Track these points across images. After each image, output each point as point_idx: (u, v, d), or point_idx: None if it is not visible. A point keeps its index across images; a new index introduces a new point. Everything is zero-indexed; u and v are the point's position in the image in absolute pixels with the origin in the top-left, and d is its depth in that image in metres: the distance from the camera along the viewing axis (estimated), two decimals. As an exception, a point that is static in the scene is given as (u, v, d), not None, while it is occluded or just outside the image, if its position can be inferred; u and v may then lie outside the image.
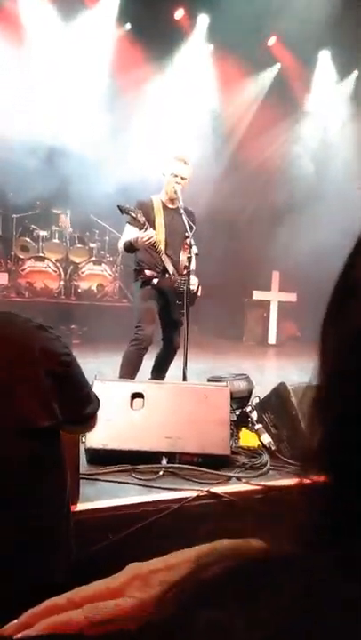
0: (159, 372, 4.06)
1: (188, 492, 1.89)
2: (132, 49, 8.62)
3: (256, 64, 9.34)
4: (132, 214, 3.53)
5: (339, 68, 9.71)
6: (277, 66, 9.67)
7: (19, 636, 0.39)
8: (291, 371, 6.76)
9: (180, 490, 1.91)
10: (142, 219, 3.54)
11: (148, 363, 3.90)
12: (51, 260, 8.29)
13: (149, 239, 3.51)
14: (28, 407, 1.16)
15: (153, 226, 3.70)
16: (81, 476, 1.82)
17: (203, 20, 8.88)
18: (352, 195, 8.98)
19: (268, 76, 9.67)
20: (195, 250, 3.45)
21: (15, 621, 0.39)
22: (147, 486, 1.94)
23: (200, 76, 9.20)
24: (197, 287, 3.89)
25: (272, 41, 9.28)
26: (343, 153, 10.07)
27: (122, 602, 0.39)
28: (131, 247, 3.70)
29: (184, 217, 3.56)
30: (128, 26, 8.62)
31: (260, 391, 2.80)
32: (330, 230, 9.99)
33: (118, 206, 3.62)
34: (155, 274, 3.80)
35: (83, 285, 8.55)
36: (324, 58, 9.59)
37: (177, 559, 0.40)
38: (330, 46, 9.26)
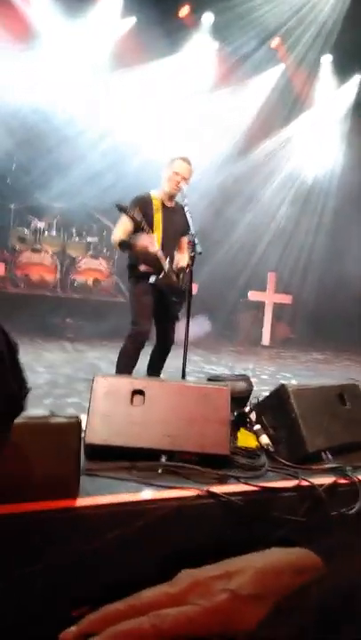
0: (155, 368, 4.06)
1: (188, 490, 1.88)
2: (137, 43, 8.60)
3: (259, 64, 9.35)
4: (130, 214, 3.54)
5: (341, 72, 9.75)
6: (281, 67, 9.68)
7: None
8: (285, 372, 6.79)
9: (180, 488, 1.90)
10: (139, 216, 3.54)
11: (142, 359, 3.90)
12: (47, 253, 8.26)
13: (145, 248, 3.62)
14: None
15: (151, 223, 3.69)
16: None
17: (208, 17, 8.87)
18: (350, 200, 9.03)
19: (271, 76, 9.68)
20: (198, 248, 3.44)
21: (73, 627, 0.39)
22: (146, 484, 1.94)
23: (204, 74, 9.19)
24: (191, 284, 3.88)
25: (275, 42, 9.28)
26: (344, 157, 10.12)
27: (186, 609, 0.38)
28: (128, 248, 3.72)
29: (188, 215, 3.55)
30: (133, 20, 8.59)
31: (255, 392, 2.80)
32: (328, 234, 10.06)
33: (117, 205, 3.61)
34: (150, 269, 3.79)
35: (79, 279, 8.53)
36: (327, 61, 9.62)
37: (235, 566, 0.40)
38: (333, 50, 9.29)
